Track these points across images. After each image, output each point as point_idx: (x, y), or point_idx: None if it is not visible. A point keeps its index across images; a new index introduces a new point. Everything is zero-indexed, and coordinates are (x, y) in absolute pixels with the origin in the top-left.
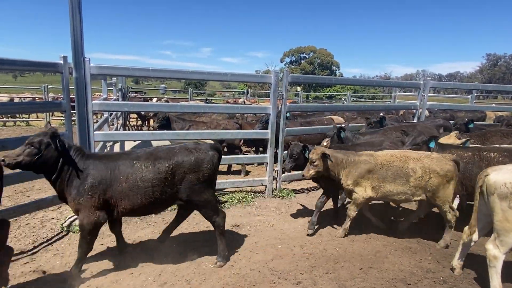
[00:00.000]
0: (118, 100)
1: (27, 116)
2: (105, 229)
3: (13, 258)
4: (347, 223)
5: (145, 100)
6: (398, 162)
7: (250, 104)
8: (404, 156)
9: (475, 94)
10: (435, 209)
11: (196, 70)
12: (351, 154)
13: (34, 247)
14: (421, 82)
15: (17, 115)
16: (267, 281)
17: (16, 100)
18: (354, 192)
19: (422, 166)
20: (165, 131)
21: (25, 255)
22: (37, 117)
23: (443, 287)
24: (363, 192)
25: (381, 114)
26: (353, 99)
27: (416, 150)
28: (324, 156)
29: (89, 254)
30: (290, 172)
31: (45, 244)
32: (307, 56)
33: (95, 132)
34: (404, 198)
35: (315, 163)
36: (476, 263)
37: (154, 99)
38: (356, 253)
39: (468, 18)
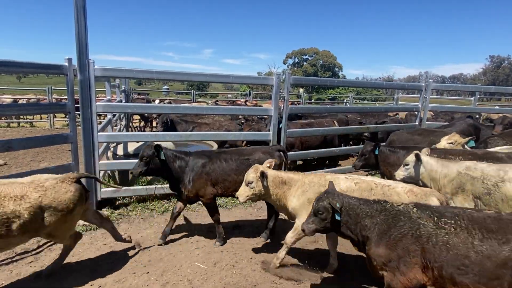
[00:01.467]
0: (121, 101)
1: (31, 117)
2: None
3: (17, 258)
4: None
5: (148, 101)
6: None
7: (255, 105)
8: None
9: (478, 96)
10: None
11: (199, 72)
12: None
13: (39, 247)
14: (423, 84)
15: (21, 116)
16: (268, 281)
17: (20, 101)
18: None
19: (30, 206)
20: (168, 133)
21: (29, 254)
22: (41, 118)
23: None
24: None
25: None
26: (355, 101)
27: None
28: None
29: (93, 254)
30: None
31: (49, 244)
32: (309, 58)
33: (99, 133)
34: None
35: None
36: None
37: (157, 101)
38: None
39: (471, 19)
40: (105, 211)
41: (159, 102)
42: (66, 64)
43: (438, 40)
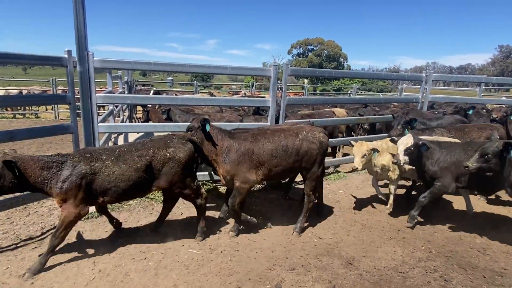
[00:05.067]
0: (124, 93)
1: (36, 108)
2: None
3: (22, 244)
4: None
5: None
6: None
7: (255, 96)
8: None
9: (483, 87)
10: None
11: (197, 63)
12: None
13: (42, 234)
14: (423, 74)
15: (27, 108)
16: (262, 267)
17: (25, 93)
18: None
19: None
20: (167, 123)
21: (33, 241)
22: (46, 110)
23: (433, 275)
24: None
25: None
26: (361, 92)
27: None
28: None
29: (94, 240)
30: None
31: (52, 231)
32: (315, 48)
33: (99, 124)
34: None
35: None
36: (469, 250)
37: (151, 92)
38: (351, 242)
39: (480, 8)
40: None
41: (153, 94)
42: (66, 56)
43: (446, 30)
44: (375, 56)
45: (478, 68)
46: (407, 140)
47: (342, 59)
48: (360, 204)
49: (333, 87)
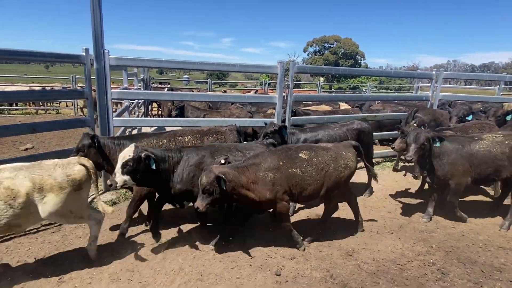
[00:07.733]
0: (139, 90)
1: (57, 104)
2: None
3: (42, 228)
4: None
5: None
6: None
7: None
8: None
9: (503, 86)
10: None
11: (206, 61)
12: None
13: None
14: (434, 72)
15: (48, 104)
16: (264, 255)
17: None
18: None
19: None
20: (177, 118)
21: (52, 226)
22: (67, 106)
23: (431, 268)
24: None
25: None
26: (378, 90)
27: None
28: None
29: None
30: None
31: None
32: (331, 46)
33: (114, 118)
34: None
35: None
36: (470, 245)
37: (166, 89)
38: (352, 235)
39: (504, 5)
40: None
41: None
42: (84, 54)
43: (468, 27)
44: (394, 54)
45: (501, 66)
46: (126, 153)
47: (359, 57)
48: (364, 199)
49: (349, 85)
